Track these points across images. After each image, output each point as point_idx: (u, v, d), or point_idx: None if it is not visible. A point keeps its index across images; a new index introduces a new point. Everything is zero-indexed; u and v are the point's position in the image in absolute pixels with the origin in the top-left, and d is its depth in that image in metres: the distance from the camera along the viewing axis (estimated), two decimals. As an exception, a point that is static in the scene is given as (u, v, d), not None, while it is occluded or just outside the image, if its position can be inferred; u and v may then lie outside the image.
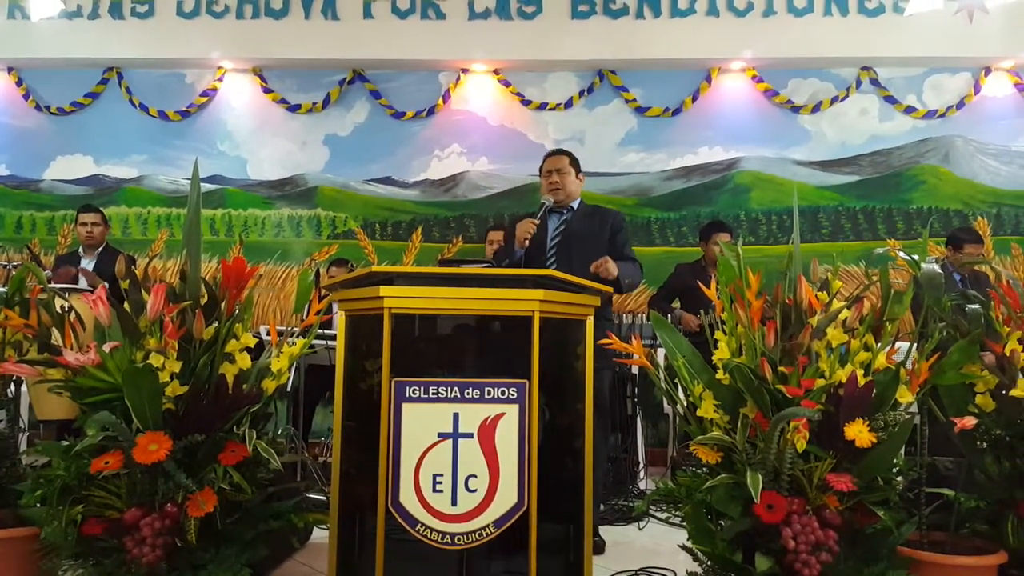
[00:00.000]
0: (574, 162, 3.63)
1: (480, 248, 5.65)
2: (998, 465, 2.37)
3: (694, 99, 6.12)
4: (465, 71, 6.22)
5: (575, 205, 3.61)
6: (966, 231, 5.24)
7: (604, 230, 3.50)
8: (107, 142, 6.33)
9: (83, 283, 5.01)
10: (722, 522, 2.19)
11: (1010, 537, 2.27)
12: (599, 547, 3.32)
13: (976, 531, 2.39)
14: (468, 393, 2.15)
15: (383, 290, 2.17)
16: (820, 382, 2.17)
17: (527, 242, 3.33)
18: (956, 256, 4.98)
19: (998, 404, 2.38)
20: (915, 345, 2.35)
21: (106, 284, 2.39)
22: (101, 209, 5.48)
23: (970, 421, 2.27)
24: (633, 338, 2.43)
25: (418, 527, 2.11)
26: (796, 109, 6.08)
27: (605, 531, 3.57)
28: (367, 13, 6.06)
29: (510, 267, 3.29)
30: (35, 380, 2.36)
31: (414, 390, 2.15)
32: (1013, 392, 2.29)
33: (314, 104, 6.26)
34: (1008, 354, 2.33)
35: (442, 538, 2.11)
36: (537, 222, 3.37)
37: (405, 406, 2.14)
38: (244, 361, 2.37)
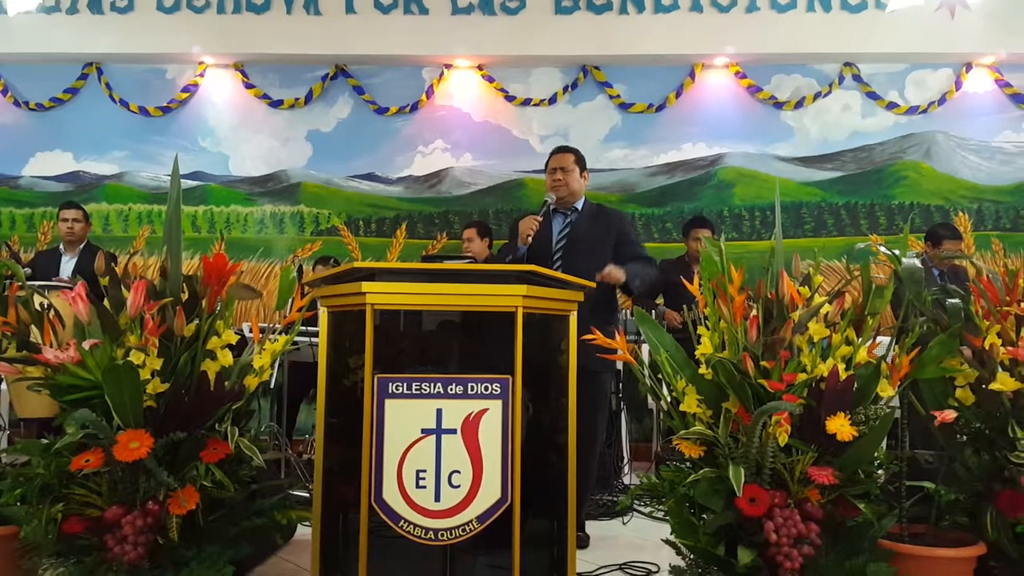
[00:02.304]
0: (579, 160, 3.57)
1: (465, 244, 5.64)
2: (977, 458, 2.39)
3: (678, 95, 6.14)
4: (448, 66, 6.20)
5: (579, 206, 3.56)
6: (945, 227, 5.28)
7: (609, 234, 3.47)
8: (87, 138, 6.28)
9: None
10: (705, 516, 2.20)
11: (989, 529, 2.29)
12: (583, 542, 3.33)
13: (956, 523, 2.41)
14: (451, 389, 2.15)
15: (365, 286, 2.16)
16: (802, 376, 2.18)
17: (530, 239, 3.30)
18: (935, 252, 5.02)
19: (977, 397, 2.40)
20: (896, 339, 2.37)
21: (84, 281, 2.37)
22: (83, 206, 5.43)
23: (950, 414, 2.29)
24: (617, 334, 2.43)
25: (401, 523, 2.11)
26: (779, 105, 6.11)
27: (589, 526, 3.58)
28: (349, 8, 6.03)
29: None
30: (15, 378, 2.34)
31: (397, 386, 2.14)
32: (992, 385, 2.31)
33: (296, 100, 6.22)
34: (987, 348, 2.35)
35: (425, 534, 2.11)
36: (540, 219, 3.34)
37: (388, 402, 2.14)
38: (226, 358, 2.36)
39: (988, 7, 5.80)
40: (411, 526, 2.11)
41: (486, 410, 2.15)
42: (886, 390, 2.25)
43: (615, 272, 3.22)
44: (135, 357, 2.19)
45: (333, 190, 6.25)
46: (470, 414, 2.15)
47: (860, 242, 5.69)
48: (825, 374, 2.19)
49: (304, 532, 3.08)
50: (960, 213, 6.01)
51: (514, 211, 5.91)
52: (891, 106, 6.07)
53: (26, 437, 3.16)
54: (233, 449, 2.25)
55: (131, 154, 6.28)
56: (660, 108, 6.14)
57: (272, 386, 4.32)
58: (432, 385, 2.15)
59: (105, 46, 6.10)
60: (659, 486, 2.38)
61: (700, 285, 2.44)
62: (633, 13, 5.98)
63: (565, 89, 6.17)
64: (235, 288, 2.46)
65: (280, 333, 2.61)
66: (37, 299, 2.47)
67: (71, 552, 2.19)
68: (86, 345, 2.20)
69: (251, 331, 2.55)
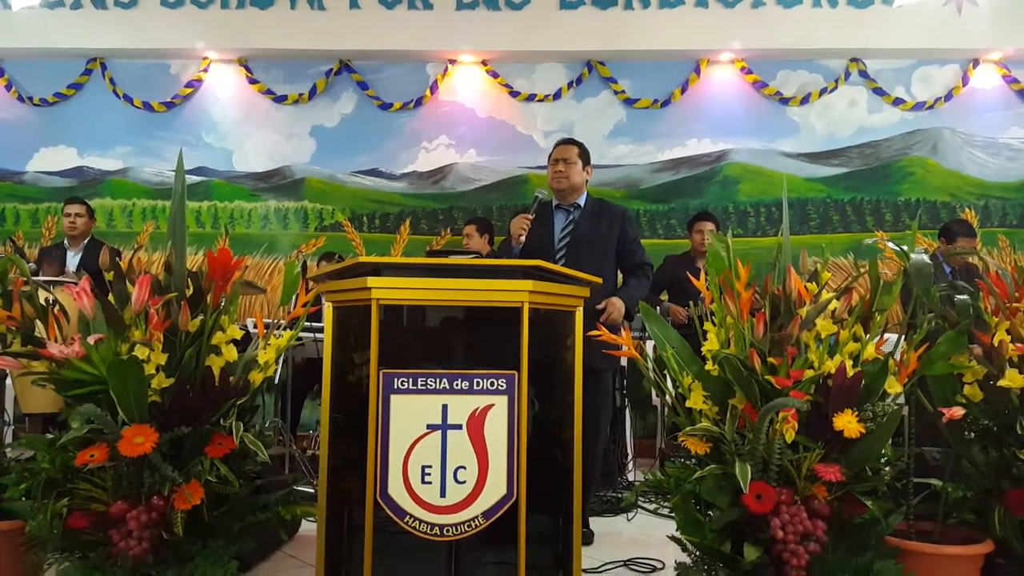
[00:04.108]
0: (583, 153, 3.54)
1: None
2: (985, 455, 2.38)
3: (683, 91, 6.12)
4: (453, 62, 6.19)
5: (581, 202, 3.53)
6: (959, 223, 5.26)
7: (612, 232, 3.46)
8: (91, 134, 6.28)
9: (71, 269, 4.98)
10: (711, 513, 2.19)
11: (996, 526, 2.28)
12: (588, 538, 3.32)
13: (963, 521, 2.40)
14: (457, 385, 2.14)
15: (371, 281, 2.15)
16: (809, 373, 2.17)
17: (522, 238, 3.28)
18: (949, 248, 4.99)
19: (986, 394, 2.39)
20: (904, 336, 2.35)
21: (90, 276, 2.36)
22: (87, 202, 5.44)
23: (958, 411, 2.28)
24: (622, 329, 2.42)
25: (407, 519, 2.10)
26: (785, 101, 6.09)
27: (594, 522, 3.58)
28: (353, 3, 6.02)
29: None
30: (19, 373, 2.34)
31: (402, 382, 2.13)
32: (1001, 382, 2.29)
33: (300, 95, 6.22)
34: (996, 344, 2.34)
35: (431, 530, 2.10)
36: (531, 216, 3.31)
37: (393, 398, 2.13)
38: (230, 353, 2.35)
39: (995, 3, 5.78)
40: (416, 522, 2.10)
41: (492, 406, 2.14)
42: (894, 387, 2.23)
43: (615, 315, 3.24)
44: (140, 352, 2.18)
45: (337, 186, 6.25)
46: (476, 410, 2.14)
47: (866, 238, 5.66)
48: (832, 371, 2.17)
49: (309, 527, 3.08)
50: (967, 210, 5.99)
51: (518, 207, 5.89)
52: (897, 102, 6.05)
53: (31, 432, 3.16)
54: (238, 444, 2.24)
55: (135, 149, 6.28)
56: (665, 104, 6.13)
57: (276, 382, 4.32)
58: (438, 381, 2.14)
59: (109, 41, 6.10)
60: (664, 482, 2.37)
61: (706, 280, 2.42)
62: (638, 8, 5.96)
63: (570, 84, 6.16)
64: (240, 284, 2.45)
65: (285, 329, 2.60)
66: (42, 294, 2.47)
67: (76, 547, 2.19)
68: (91, 340, 2.19)
69: (256, 327, 2.54)
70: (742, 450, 2.14)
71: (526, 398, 2.15)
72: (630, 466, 4.84)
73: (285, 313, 2.76)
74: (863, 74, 6.07)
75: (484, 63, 6.19)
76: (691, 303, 2.54)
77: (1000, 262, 5.76)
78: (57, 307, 2.41)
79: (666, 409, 3.92)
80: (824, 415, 2.14)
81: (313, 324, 3.71)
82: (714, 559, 2.16)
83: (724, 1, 5.91)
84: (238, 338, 2.39)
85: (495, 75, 6.18)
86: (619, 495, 4.20)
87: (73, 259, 5.19)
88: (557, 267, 2.37)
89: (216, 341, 2.33)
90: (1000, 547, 2.29)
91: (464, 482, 2.12)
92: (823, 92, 6.07)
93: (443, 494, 2.11)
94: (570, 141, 3.60)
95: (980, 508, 2.38)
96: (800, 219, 6.03)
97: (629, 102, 6.13)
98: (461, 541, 2.14)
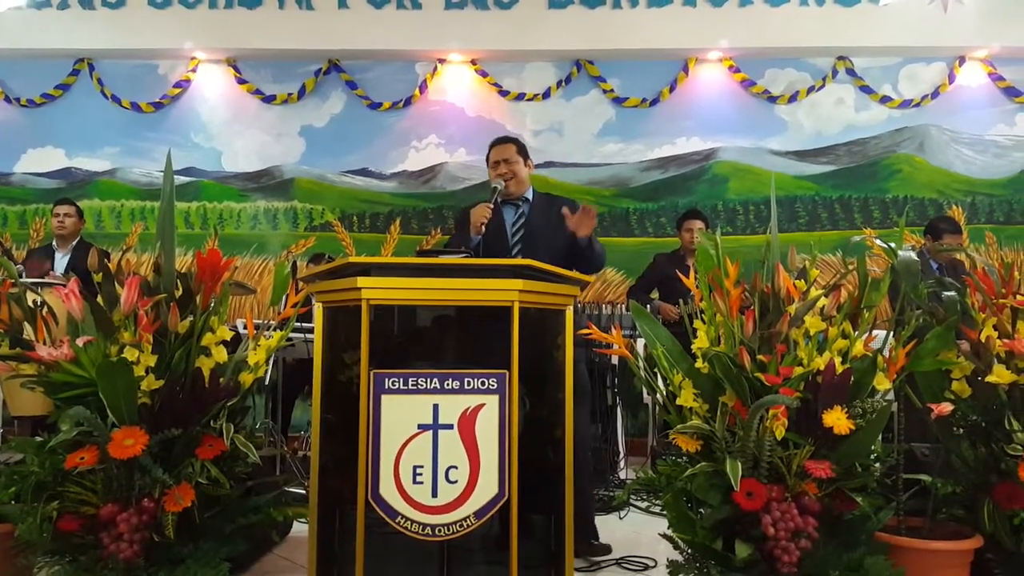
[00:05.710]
0: (521, 149, 3.47)
1: (458, 240, 5.63)
2: (974, 451, 2.39)
3: (672, 89, 6.13)
4: (442, 61, 6.18)
5: (529, 196, 3.48)
6: (945, 220, 5.29)
7: (563, 223, 3.45)
8: (79, 134, 6.24)
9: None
10: (702, 510, 2.20)
11: (985, 521, 2.30)
12: (604, 550, 3.18)
13: (953, 516, 2.41)
14: (448, 384, 2.14)
15: (361, 281, 2.15)
16: (798, 370, 2.18)
17: (483, 227, 3.24)
18: (934, 245, 5.02)
19: (974, 390, 2.40)
20: (892, 332, 2.37)
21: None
22: (76, 203, 5.42)
23: (946, 407, 2.29)
24: (613, 328, 2.43)
25: (398, 519, 2.10)
26: (773, 99, 6.11)
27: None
28: (342, 3, 6.00)
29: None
30: (7, 376, 2.32)
31: (393, 382, 2.13)
32: (988, 378, 2.31)
33: (289, 95, 6.20)
34: (983, 340, 2.35)
35: (423, 530, 2.10)
36: (492, 206, 3.28)
37: (384, 398, 2.12)
38: (220, 354, 2.35)
39: (981, 1, 5.81)
40: (408, 522, 2.10)
41: (483, 405, 2.14)
42: (883, 383, 2.25)
43: (587, 223, 3.15)
44: (129, 354, 2.18)
45: (326, 185, 6.23)
46: (467, 409, 2.14)
47: (854, 236, 5.69)
48: (822, 367, 2.18)
49: (300, 529, 3.07)
50: (954, 206, 6.02)
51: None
52: (884, 100, 6.08)
53: (20, 435, 3.14)
54: (228, 446, 2.24)
55: (123, 150, 6.24)
56: (654, 102, 6.13)
57: (267, 382, 4.31)
58: (428, 380, 2.13)
59: (96, 42, 6.06)
60: (656, 480, 2.38)
61: (696, 279, 2.43)
62: (626, 7, 5.96)
63: (559, 83, 6.15)
64: (229, 284, 2.45)
65: (275, 329, 2.59)
66: (30, 296, 2.45)
67: (66, 550, 2.18)
68: (80, 342, 2.18)
69: (246, 327, 2.53)
70: (733, 447, 2.15)
71: (517, 397, 2.16)
72: (622, 464, 4.85)
73: (275, 314, 2.75)
74: (850, 72, 6.09)
75: (473, 62, 6.19)
76: (681, 301, 2.55)
77: (987, 258, 5.79)
78: (46, 309, 2.39)
79: (657, 407, 3.93)
80: (814, 412, 2.15)
81: (303, 324, 3.70)
82: (706, 556, 2.17)
83: (712, 0, 5.93)
84: (228, 339, 2.39)
85: (484, 74, 6.18)
86: (611, 493, 4.21)
87: (61, 261, 5.17)
88: (547, 266, 2.37)
89: (206, 342, 2.33)
90: (989, 542, 2.30)
91: (456, 482, 2.12)
92: (811, 90, 6.09)
93: (435, 494, 2.11)
94: (505, 140, 3.53)
95: (969, 503, 2.39)
96: (789, 217, 6.05)
97: (618, 101, 6.14)
98: (453, 541, 2.14)
